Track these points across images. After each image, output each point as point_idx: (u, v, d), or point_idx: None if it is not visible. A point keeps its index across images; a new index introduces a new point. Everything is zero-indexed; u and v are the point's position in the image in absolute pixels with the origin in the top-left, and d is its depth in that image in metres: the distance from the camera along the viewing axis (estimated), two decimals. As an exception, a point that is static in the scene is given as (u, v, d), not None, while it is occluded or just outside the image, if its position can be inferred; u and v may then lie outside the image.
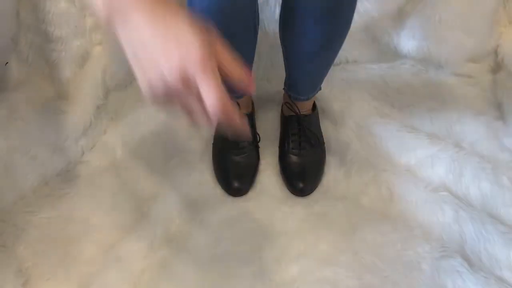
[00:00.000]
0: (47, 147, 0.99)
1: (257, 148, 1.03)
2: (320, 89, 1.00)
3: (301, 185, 0.96)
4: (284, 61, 0.94)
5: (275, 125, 1.10)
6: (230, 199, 0.96)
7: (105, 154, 1.04)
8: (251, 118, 1.05)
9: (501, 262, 0.84)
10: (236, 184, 0.96)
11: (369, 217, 0.92)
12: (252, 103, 1.09)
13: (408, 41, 1.19)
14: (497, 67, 1.20)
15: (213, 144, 1.04)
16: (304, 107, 1.02)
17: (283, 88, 1.01)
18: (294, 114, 1.01)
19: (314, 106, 1.05)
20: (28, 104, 1.02)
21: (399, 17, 1.17)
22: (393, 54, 1.23)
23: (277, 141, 1.05)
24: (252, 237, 0.90)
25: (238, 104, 1.00)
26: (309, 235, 0.90)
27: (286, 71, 0.96)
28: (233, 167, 0.98)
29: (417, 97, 1.16)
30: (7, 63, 1.07)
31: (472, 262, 0.84)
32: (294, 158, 0.98)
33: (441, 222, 0.91)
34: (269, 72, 1.17)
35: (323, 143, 1.03)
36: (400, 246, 0.87)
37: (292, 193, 0.97)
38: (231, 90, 0.98)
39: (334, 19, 0.78)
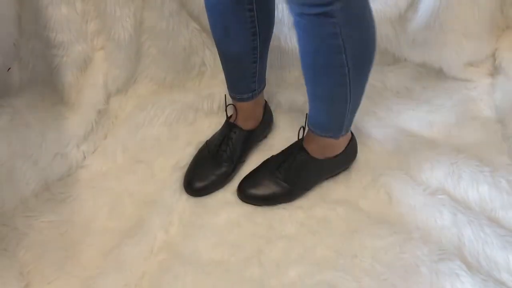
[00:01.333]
0: (49, 152, 1.00)
1: (235, 165, 1.01)
2: (342, 134, 0.92)
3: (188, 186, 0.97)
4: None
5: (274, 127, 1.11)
6: (229, 203, 0.97)
7: (106, 158, 1.05)
8: (242, 134, 1.01)
9: (500, 264, 0.85)
10: (188, 186, 0.97)
11: (368, 221, 0.92)
12: (264, 122, 1.06)
13: (408, 46, 1.19)
14: (495, 70, 1.21)
15: (201, 147, 1.04)
16: (318, 147, 0.95)
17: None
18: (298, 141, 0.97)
19: (339, 156, 0.96)
20: (30, 109, 1.03)
21: (400, 22, 1.18)
22: (393, 58, 1.24)
23: (276, 146, 1.05)
24: (252, 240, 0.91)
25: (237, 114, 1.00)
26: (308, 239, 0.91)
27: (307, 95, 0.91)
28: (190, 169, 0.99)
29: (416, 101, 1.17)
30: (9, 68, 1.08)
31: (470, 265, 0.85)
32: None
33: (439, 225, 0.91)
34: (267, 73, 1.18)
35: (304, 189, 0.97)
36: (398, 249, 0.88)
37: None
38: (231, 88, 0.95)
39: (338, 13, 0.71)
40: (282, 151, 1.00)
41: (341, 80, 0.80)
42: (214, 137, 1.04)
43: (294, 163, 0.96)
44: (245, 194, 0.96)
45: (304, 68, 0.82)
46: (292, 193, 0.96)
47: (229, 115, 1.04)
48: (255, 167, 1.01)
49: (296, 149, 0.96)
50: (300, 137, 0.97)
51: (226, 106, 1.03)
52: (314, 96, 0.87)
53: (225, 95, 1.04)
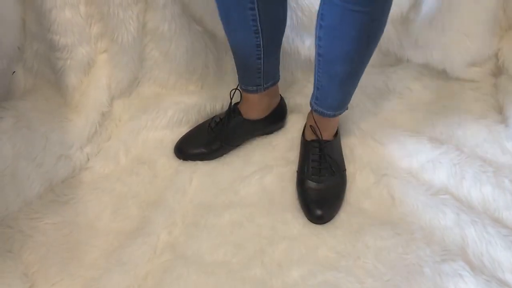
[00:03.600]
0: (53, 154, 1.00)
1: (226, 147, 1.06)
2: (347, 108, 0.98)
3: (319, 212, 0.93)
4: (315, 70, 0.92)
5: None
6: (232, 204, 0.97)
7: (110, 160, 1.05)
8: (242, 122, 1.06)
9: (503, 265, 0.84)
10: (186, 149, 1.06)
11: (371, 221, 0.92)
12: (271, 117, 1.09)
13: (410, 47, 1.19)
14: (498, 71, 1.21)
15: (207, 119, 1.09)
16: (327, 131, 0.99)
17: (310, 104, 0.98)
18: (316, 139, 0.99)
19: (337, 132, 1.03)
20: (34, 112, 1.03)
21: (402, 22, 1.18)
22: (395, 58, 1.24)
23: (283, 148, 1.07)
24: (254, 241, 0.91)
25: (243, 103, 1.03)
26: (310, 240, 0.91)
27: (316, 82, 0.94)
28: (196, 138, 1.07)
29: (419, 101, 1.17)
30: (14, 72, 1.09)
31: (474, 265, 0.84)
32: (313, 185, 0.96)
33: (442, 225, 0.91)
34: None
35: (344, 170, 1.00)
36: (401, 250, 0.88)
37: (310, 220, 0.94)
38: (242, 80, 0.99)
39: (375, 9, 0.78)
40: (303, 158, 1.01)
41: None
42: (220, 114, 1.09)
43: (328, 156, 0.98)
44: (317, 216, 0.94)
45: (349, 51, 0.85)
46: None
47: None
48: (250, 157, 1.06)
49: (317, 145, 0.99)
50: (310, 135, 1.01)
51: (232, 98, 1.05)
52: (334, 73, 0.89)
53: (231, 92, 1.06)
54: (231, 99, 1.05)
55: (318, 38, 0.86)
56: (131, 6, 1.06)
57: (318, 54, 0.89)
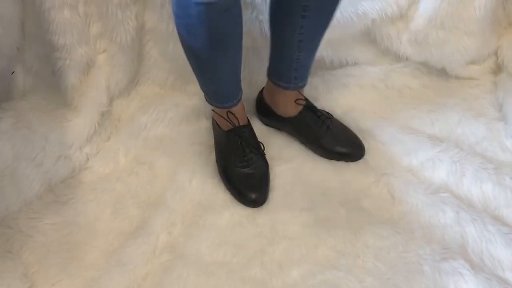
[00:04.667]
0: (52, 155, 1.00)
1: (263, 156, 1.02)
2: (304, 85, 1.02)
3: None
4: (294, 56, 0.95)
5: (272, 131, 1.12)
6: (232, 204, 0.97)
7: (109, 160, 1.05)
8: (249, 129, 1.04)
9: (503, 263, 0.84)
10: (253, 196, 0.96)
11: (371, 220, 0.92)
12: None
13: (409, 44, 1.19)
14: (497, 68, 1.20)
15: (216, 162, 1.03)
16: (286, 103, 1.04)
17: (289, 88, 1.01)
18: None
19: None
20: (33, 112, 1.04)
21: (401, 21, 1.18)
22: (394, 57, 1.23)
23: (283, 148, 1.07)
24: (254, 241, 0.91)
25: (236, 117, 1.00)
26: (310, 239, 0.91)
27: (295, 65, 0.97)
28: (245, 180, 0.98)
29: (418, 99, 1.17)
30: (13, 72, 1.09)
31: (474, 264, 0.84)
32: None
33: (442, 223, 0.91)
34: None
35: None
36: (401, 249, 0.87)
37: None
38: (226, 98, 0.97)
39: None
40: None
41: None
42: (230, 154, 1.01)
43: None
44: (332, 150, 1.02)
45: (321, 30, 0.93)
46: None
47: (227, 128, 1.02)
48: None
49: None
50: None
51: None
52: (315, 46, 0.96)
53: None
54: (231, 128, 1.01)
55: (300, 28, 0.90)
56: (130, 6, 1.06)
57: (299, 41, 0.92)
